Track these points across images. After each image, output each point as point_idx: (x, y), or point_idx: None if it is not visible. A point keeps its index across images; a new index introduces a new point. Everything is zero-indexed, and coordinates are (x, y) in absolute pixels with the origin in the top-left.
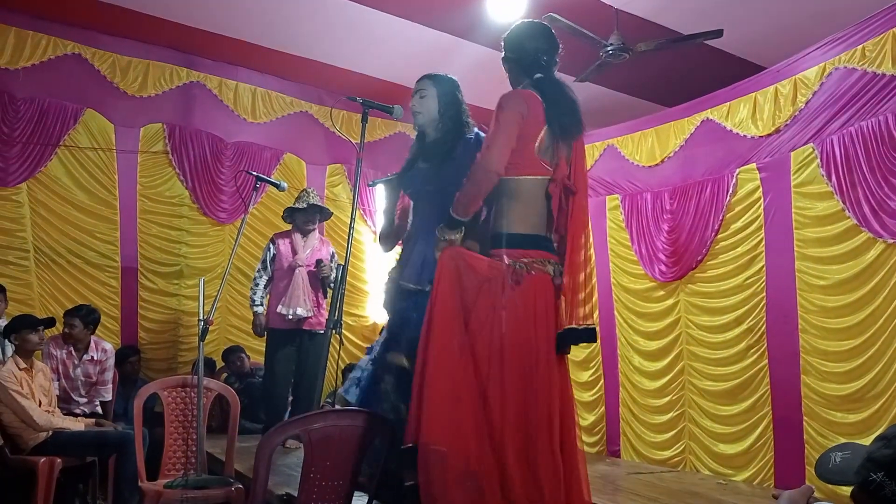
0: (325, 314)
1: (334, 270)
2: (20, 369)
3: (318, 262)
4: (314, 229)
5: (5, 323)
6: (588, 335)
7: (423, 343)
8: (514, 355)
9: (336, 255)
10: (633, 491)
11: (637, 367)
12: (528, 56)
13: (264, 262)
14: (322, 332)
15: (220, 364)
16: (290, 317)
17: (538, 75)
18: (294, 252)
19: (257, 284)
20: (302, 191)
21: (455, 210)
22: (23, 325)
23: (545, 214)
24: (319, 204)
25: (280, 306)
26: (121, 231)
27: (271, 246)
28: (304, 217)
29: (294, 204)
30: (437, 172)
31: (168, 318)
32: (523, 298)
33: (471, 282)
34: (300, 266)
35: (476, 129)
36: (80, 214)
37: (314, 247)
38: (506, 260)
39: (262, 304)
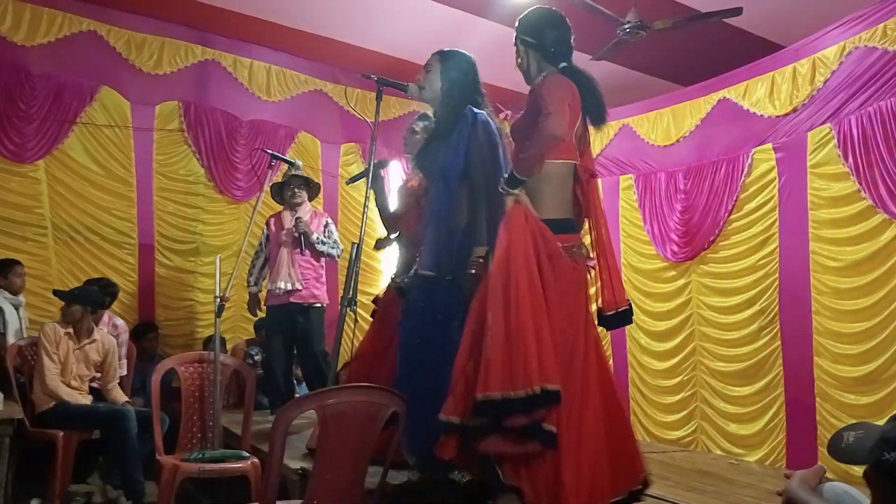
0: (322, 286)
1: (328, 238)
2: (64, 332)
3: (297, 219)
4: (302, 202)
5: (23, 298)
6: (630, 315)
7: (500, 293)
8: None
9: (331, 225)
10: None
11: (645, 346)
12: (549, 44)
13: (260, 243)
14: (318, 305)
15: (234, 341)
16: (277, 291)
17: (563, 64)
18: (282, 228)
19: (253, 266)
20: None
21: (518, 169)
22: (64, 299)
23: (571, 198)
24: (299, 174)
25: (269, 283)
26: (138, 208)
27: (265, 228)
28: (288, 191)
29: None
30: (438, 154)
31: (185, 294)
32: (574, 282)
33: (539, 242)
34: (284, 240)
35: (475, 110)
36: (97, 191)
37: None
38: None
39: (255, 285)
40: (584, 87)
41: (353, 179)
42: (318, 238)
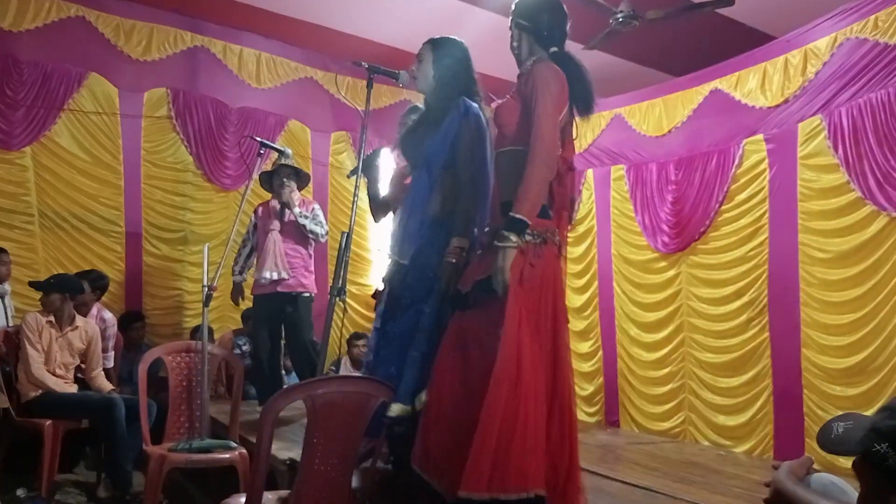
0: (310, 275)
1: (307, 215)
2: (46, 321)
3: (281, 191)
4: (291, 191)
5: (8, 287)
6: None
7: (504, 385)
8: (545, 327)
9: (318, 209)
10: (633, 461)
11: (634, 337)
12: (542, 27)
13: (248, 232)
14: (307, 294)
15: (222, 331)
16: (262, 281)
17: (554, 49)
18: (269, 217)
19: (239, 254)
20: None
21: (522, 210)
22: (41, 289)
23: (547, 188)
24: (288, 164)
25: (255, 272)
26: (125, 196)
27: (253, 216)
28: (277, 180)
29: None
30: (424, 140)
31: (172, 284)
32: (543, 271)
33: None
34: (272, 230)
35: (468, 101)
36: (84, 179)
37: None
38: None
39: (240, 274)
40: (573, 74)
41: (353, 173)
42: (300, 212)
